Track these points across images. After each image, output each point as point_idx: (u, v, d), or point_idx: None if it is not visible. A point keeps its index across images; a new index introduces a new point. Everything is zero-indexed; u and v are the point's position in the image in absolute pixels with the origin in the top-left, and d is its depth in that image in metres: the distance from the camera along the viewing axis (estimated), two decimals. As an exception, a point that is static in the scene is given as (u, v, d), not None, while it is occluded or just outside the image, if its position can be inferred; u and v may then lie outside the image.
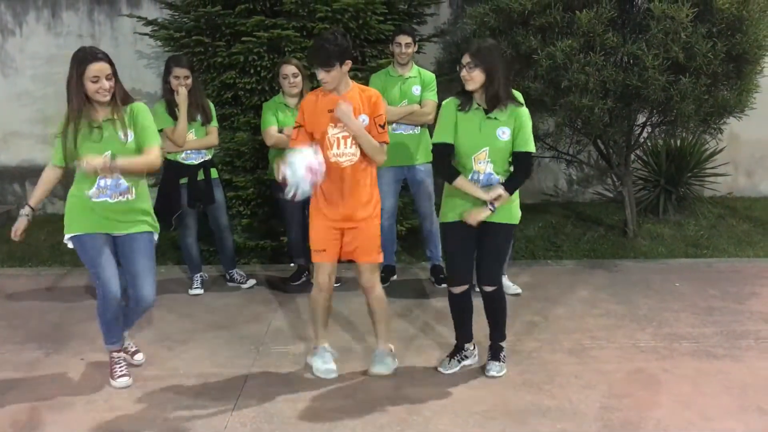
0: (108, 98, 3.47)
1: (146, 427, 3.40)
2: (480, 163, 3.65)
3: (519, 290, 5.16)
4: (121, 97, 3.55)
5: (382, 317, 3.97)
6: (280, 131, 5.07)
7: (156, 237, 3.78)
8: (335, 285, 4.11)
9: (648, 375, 3.90)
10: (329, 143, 3.69)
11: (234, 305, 5.06)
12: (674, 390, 3.72)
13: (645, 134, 6.57)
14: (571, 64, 5.45)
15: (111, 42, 7.85)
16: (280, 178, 3.49)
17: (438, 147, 3.74)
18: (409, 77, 5.26)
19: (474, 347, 4.09)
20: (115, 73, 3.48)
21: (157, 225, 3.80)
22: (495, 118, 3.61)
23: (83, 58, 3.42)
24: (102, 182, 3.52)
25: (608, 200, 7.96)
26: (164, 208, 4.99)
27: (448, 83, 6.45)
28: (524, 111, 3.66)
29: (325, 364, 3.93)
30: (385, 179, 5.28)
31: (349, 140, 3.70)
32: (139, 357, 4.08)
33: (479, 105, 3.64)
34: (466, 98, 3.66)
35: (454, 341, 4.08)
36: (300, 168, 3.44)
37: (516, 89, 4.37)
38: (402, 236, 6.07)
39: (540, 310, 4.82)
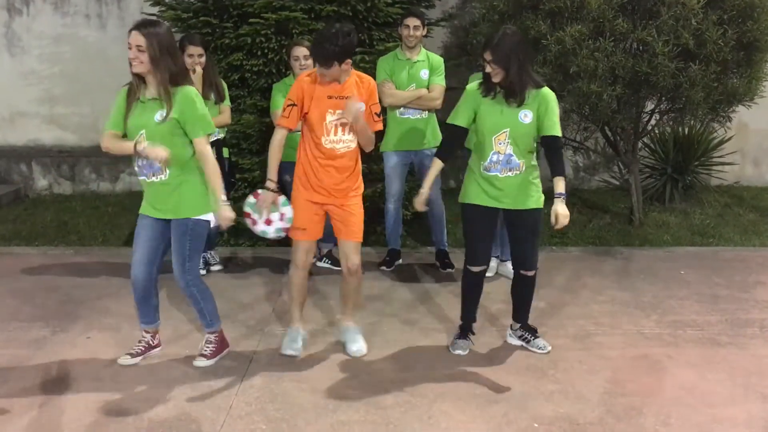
0: (138, 71, 3.44)
1: (152, 406, 3.43)
2: (500, 143, 3.71)
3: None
4: (170, 76, 3.47)
5: (356, 297, 4.07)
6: None
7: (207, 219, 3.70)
8: (335, 268, 4.16)
9: (652, 361, 3.92)
10: (326, 129, 3.75)
11: (239, 286, 5.08)
12: (678, 377, 3.74)
13: (653, 122, 6.54)
14: (580, 49, 5.42)
15: (118, 22, 7.85)
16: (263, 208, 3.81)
17: (449, 127, 3.83)
18: (418, 61, 5.25)
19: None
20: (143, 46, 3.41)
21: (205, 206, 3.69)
22: (518, 104, 3.68)
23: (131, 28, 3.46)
24: (139, 161, 3.56)
25: (615, 188, 7.95)
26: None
27: (455, 68, 6.45)
28: (548, 94, 3.70)
29: (291, 343, 4.00)
30: (392, 163, 5.29)
31: (347, 128, 3.76)
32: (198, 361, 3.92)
33: (501, 89, 3.70)
34: (489, 85, 3.71)
35: (456, 323, 4.13)
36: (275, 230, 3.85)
37: None
38: (408, 221, 6.08)
39: (545, 296, 4.82)
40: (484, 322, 4.39)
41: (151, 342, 3.98)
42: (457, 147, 3.93)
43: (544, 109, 3.68)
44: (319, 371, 3.79)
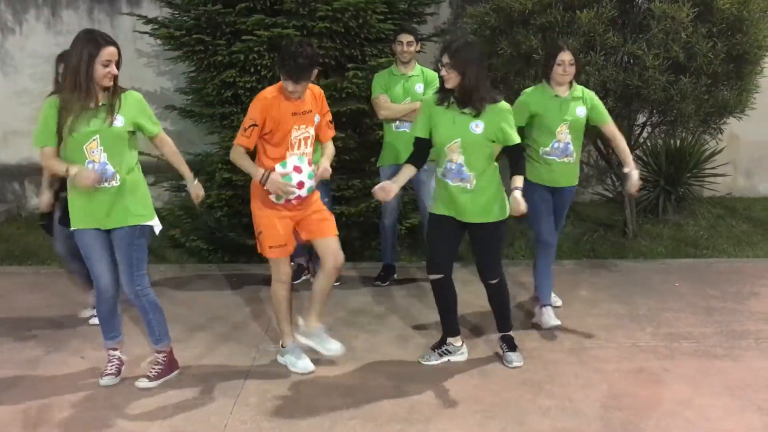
0: (110, 84, 3.48)
1: (147, 425, 3.40)
2: (453, 153, 3.77)
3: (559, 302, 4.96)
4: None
5: (323, 295, 3.98)
6: None
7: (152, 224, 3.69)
8: (334, 284, 4.12)
9: (648, 374, 3.91)
10: (291, 144, 3.79)
11: (233, 304, 5.06)
12: (674, 390, 3.73)
13: (645, 134, 6.57)
14: (571, 63, 5.44)
15: (111, 40, 7.83)
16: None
17: (415, 140, 3.94)
18: (412, 75, 5.27)
19: (462, 344, 4.14)
20: (120, 61, 3.50)
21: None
22: (469, 113, 3.74)
23: (96, 41, 3.44)
24: (90, 167, 3.49)
25: (608, 200, 7.96)
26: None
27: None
28: (505, 106, 3.79)
29: (300, 360, 3.97)
30: (388, 177, 5.28)
31: (309, 141, 3.86)
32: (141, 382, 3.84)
33: (454, 99, 3.77)
34: (444, 94, 3.79)
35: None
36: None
37: (516, 88, 4.64)
38: (402, 236, 6.08)
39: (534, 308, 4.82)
40: (480, 336, 4.38)
41: (121, 357, 3.93)
42: (424, 156, 3.95)
43: (504, 121, 3.75)
44: (315, 388, 3.77)
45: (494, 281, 3.96)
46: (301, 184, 3.76)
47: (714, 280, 5.47)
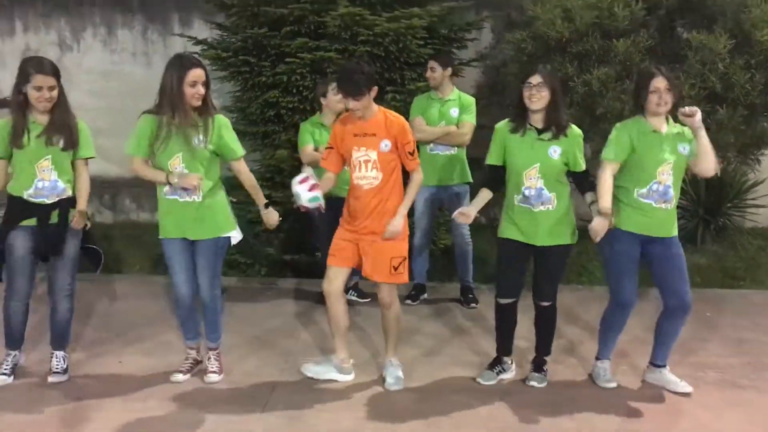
0: (199, 103, 3.78)
1: (179, 429, 3.59)
2: (531, 179, 3.86)
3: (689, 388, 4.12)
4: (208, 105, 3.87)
5: (392, 333, 4.16)
6: (316, 149, 5.26)
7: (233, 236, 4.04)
8: (362, 300, 4.27)
9: (670, 402, 3.96)
10: (353, 165, 3.94)
11: (265, 316, 5.25)
12: (695, 417, 3.78)
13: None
14: (606, 91, 5.55)
15: (162, 59, 8.11)
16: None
17: (489, 167, 4.05)
18: (449, 100, 5.43)
19: (512, 362, 4.26)
20: (207, 81, 3.81)
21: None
22: (547, 139, 3.85)
23: (183, 63, 3.78)
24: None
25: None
26: None
27: (487, 107, 6.60)
28: (577, 131, 3.92)
29: (316, 365, 4.17)
30: (422, 199, 5.44)
31: (370, 164, 3.92)
32: (211, 377, 4.14)
33: (531, 126, 3.88)
34: (519, 121, 3.91)
35: (474, 358, 4.25)
36: (301, 191, 3.91)
37: None
38: (434, 256, 6.20)
39: (566, 334, 4.89)
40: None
41: (197, 357, 4.22)
42: (499, 183, 4.05)
43: (577, 147, 3.90)
44: (339, 400, 3.92)
45: (548, 304, 4.08)
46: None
47: (748, 312, 5.46)
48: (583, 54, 5.67)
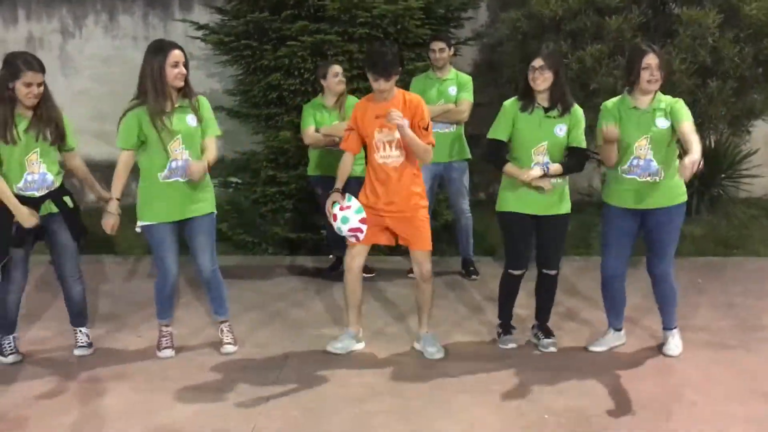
0: (182, 84, 3.96)
1: (197, 394, 3.84)
2: (539, 155, 4.09)
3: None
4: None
5: (427, 305, 4.34)
6: (317, 131, 5.46)
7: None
8: (367, 275, 4.46)
9: (661, 362, 4.21)
10: (376, 147, 4.13)
11: (274, 292, 5.50)
12: (685, 375, 4.02)
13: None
14: (600, 67, 5.74)
15: (164, 44, 8.36)
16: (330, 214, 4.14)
17: (492, 142, 4.21)
18: (447, 79, 5.63)
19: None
20: (186, 62, 3.98)
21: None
22: (554, 117, 4.07)
23: (162, 46, 3.95)
24: (173, 164, 4.02)
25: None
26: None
27: (484, 85, 6.79)
28: (579, 110, 4.14)
29: (336, 342, 4.37)
30: (421, 176, 5.64)
31: (393, 144, 4.12)
32: (228, 348, 4.38)
33: (539, 104, 4.09)
34: (528, 100, 4.11)
35: (478, 327, 4.52)
36: (349, 221, 4.12)
37: None
38: (435, 232, 6.42)
39: (564, 302, 5.13)
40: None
41: (171, 330, 4.42)
42: (504, 157, 4.22)
43: (575, 122, 4.12)
44: (349, 367, 4.17)
45: (553, 272, 4.33)
46: (335, 217, 4.13)
47: (738, 278, 5.69)
48: (577, 32, 5.86)
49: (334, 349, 4.35)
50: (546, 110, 4.10)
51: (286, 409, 3.69)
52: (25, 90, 3.91)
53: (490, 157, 4.27)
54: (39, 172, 4.06)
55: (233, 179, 6.81)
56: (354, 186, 4.48)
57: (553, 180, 4.12)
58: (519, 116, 4.13)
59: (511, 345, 4.41)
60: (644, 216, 4.13)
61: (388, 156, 4.11)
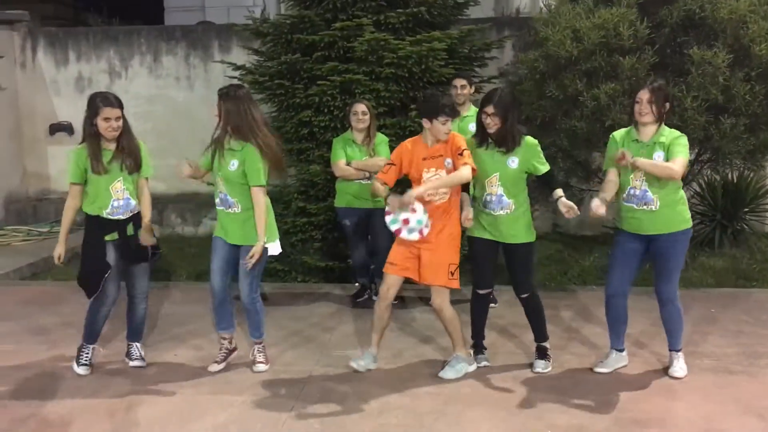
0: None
1: (226, 406, 4.24)
2: (492, 186, 4.51)
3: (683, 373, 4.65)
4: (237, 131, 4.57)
5: (452, 331, 4.66)
6: (348, 164, 5.90)
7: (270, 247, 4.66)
8: (394, 302, 4.81)
9: (665, 385, 4.48)
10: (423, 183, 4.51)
11: (302, 317, 5.90)
12: (686, 398, 4.30)
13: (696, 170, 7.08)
14: (614, 105, 6.09)
15: (204, 83, 8.98)
16: (399, 218, 4.43)
17: None
18: (467, 116, 6.03)
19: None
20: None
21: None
22: (504, 152, 4.49)
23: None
24: (221, 195, 4.61)
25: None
26: (89, 272, 4.59)
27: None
28: (531, 140, 4.54)
29: (358, 359, 4.72)
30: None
31: None
32: (259, 367, 4.77)
33: (491, 141, 4.53)
34: (482, 137, 4.56)
35: (491, 348, 4.81)
36: (423, 221, 4.41)
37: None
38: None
39: (578, 329, 5.44)
40: (516, 346, 5.04)
41: (229, 347, 4.86)
42: (465, 188, 4.63)
43: (533, 156, 4.52)
44: (367, 384, 4.53)
45: (526, 295, 4.67)
46: (406, 221, 4.44)
47: (751, 309, 5.92)
48: (591, 71, 6.24)
49: (357, 365, 4.70)
50: (498, 146, 4.50)
51: (308, 422, 4.06)
52: (105, 125, 4.44)
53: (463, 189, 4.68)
54: (123, 198, 4.56)
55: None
56: (379, 216, 4.89)
57: (508, 210, 4.52)
58: (476, 152, 4.55)
59: (485, 363, 4.74)
60: (649, 241, 4.48)
61: (435, 193, 4.48)
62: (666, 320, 4.65)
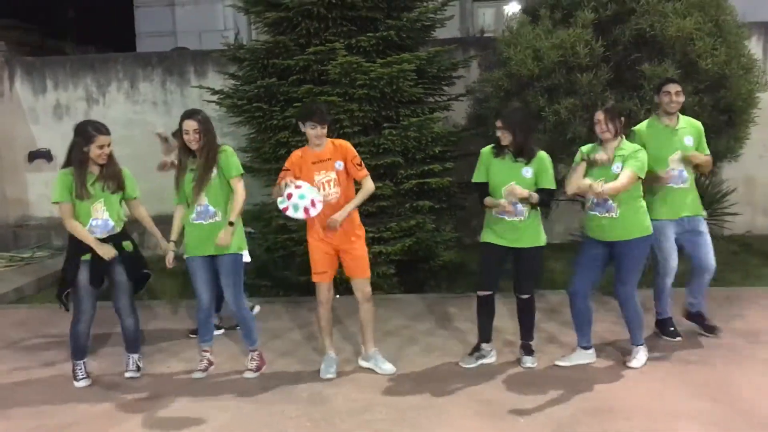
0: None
1: (223, 409, 4.63)
2: (510, 195, 4.91)
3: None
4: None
5: (369, 324, 5.19)
6: None
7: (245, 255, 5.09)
8: (336, 296, 5.32)
9: (627, 376, 4.95)
10: (316, 187, 4.96)
11: (288, 328, 6.32)
12: (643, 384, 4.79)
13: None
14: (574, 119, 6.61)
15: (180, 108, 9.26)
16: (284, 194, 4.86)
17: (475, 184, 5.13)
18: (681, 128, 5.44)
19: (492, 349, 5.28)
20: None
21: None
22: (521, 162, 4.92)
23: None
24: (198, 208, 4.97)
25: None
26: (59, 285, 5.16)
27: (475, 136, 7.66)
28: (545, 157, 4.98)
29: (327, 367, 5.15)
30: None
31: (332, 182, 5.00)
32: (248, 374, 5.19)
33: (509, 151, 4.96)
34: (500, 148, 5.00)
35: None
36: (306, 197, 4.84)
37: None
38: (435, 270, 7.20)
39: (547, 329, 5.90)
40: (500, 345, 5.50)
41: (210, 358, 5.26)
42: (484, 195, 5.08)
43: (542, 168, 4.96)
44: (353, 385, 4.95)
45: (526, 296, 5.12)
46: (289, 196, 4.86)
47: (709, 306, 6.40)
48: (552, 88, 6.75)
49: (330, 374, 5.10)
50: (516, 156, 4.96)
51: (299, 421, 4.46)
52: (98, 151, 4.86)
53: (480, 197, 5.12)
54: (102, 219, 4.94)
55: (248, 229, 7.65)
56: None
57: (521, 216, 4.95)
58: (492, 161, 5.00)
59: (469, 366, 5.16)
60: (612, 246, 5.00)
61: (329, 194, 4.97)
62: (626, 318, 5.14)
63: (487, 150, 5.10)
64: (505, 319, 5.76)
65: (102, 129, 4.93)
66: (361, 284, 5.13)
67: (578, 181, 4.88)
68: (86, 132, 4.89)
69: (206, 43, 11.62)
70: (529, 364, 5.14)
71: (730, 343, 5.50)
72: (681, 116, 5.39)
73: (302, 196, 4.87)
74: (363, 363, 5.24)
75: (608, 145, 4.94)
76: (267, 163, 7.52)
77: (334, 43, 7.11)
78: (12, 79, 9.73)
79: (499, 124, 4.95)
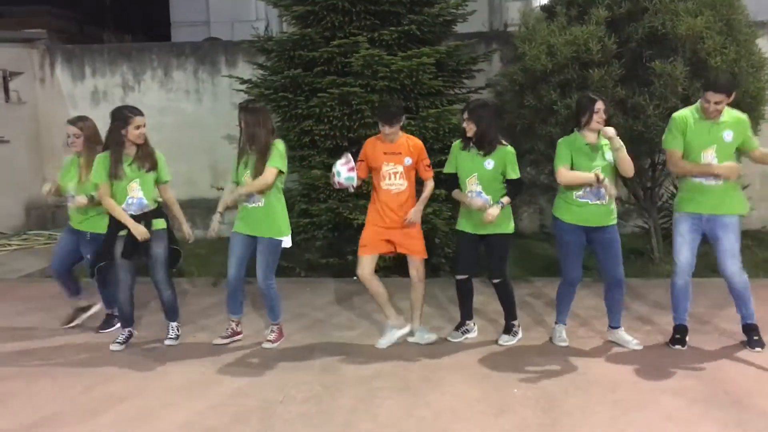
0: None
1: (243, 374, 5.12)
2: (472, 184, 5.37)
3: (640, 346, 5.49)
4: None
5: (418, 303, 5.62)
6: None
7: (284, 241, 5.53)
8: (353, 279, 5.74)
9: (617, 353, 5.34)
10: (383, 176, 5.44)
11: (305, 305, 6.80)
12: (634, 363, 5.16)
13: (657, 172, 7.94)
14: (585, 113, 6.94)
15: (211, 96, 9.89)
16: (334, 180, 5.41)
17: (447, 175, 5.57)
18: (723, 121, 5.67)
19: (474, 324, 5.77)
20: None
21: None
22: (482, 154, 5.33)
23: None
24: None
25: (645, 231, 9.26)
26: (93, 256, 5.76)
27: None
28: (508, 150, 5.37)
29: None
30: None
31: (398, 174, 5.44)
32: (267, 344, 5.64)
33: (473, 145, 5.37)
34: (467, 141, 5.41)
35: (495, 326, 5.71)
36: (342, 170, 5.38)
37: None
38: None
39: (549, 314, 6.28)
40: (496, 328, 5.90)
41: (235, 329, 5.75)
42: (454, 186, 5.53)
43: (507, 161, 5.36)
44: (363, 357, 5.40)
45: (498, 281, 5.52)
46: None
47: (710, 294, 6.72)
48: (564, 82, 7.10)
49: (381, 344, 5.57)
50: (478, 149, 5.36)
51: (311, 385, 4.93)
52: (136, 132, 5.37)
53: (450, 188, 5.58)
54: (137, 197, 5.44)
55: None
56: None
57: (488, 204, 5.34)
58: (460, 153, 5.43)
59: (456, 340, 5.63)
60: (592, 232, 5.32)
61: (393, 183, 5.43)
62: (614, 300, 5.53)
63: (456, 143, 5.53)
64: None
65: (136, 111, 5.43)
66: (416, 263, 5.53)
67: (582, 178, 5.20)
68: (123, 115, 5.38)
69: (238, 32, 12.13)
70: (503, 342, 5.57)
71: (728, 329, 5.84)
72: (726, 109, 5.16)
73: (338, 173, 5.39)
74: (410, 339, 5.67)
75: (590, 135, 5.21)
76: (292, 150, 7.94)
77: (357, 36, 7.54)
78: (53, 65, 10.33)
79: (465, 116, 5.36)
